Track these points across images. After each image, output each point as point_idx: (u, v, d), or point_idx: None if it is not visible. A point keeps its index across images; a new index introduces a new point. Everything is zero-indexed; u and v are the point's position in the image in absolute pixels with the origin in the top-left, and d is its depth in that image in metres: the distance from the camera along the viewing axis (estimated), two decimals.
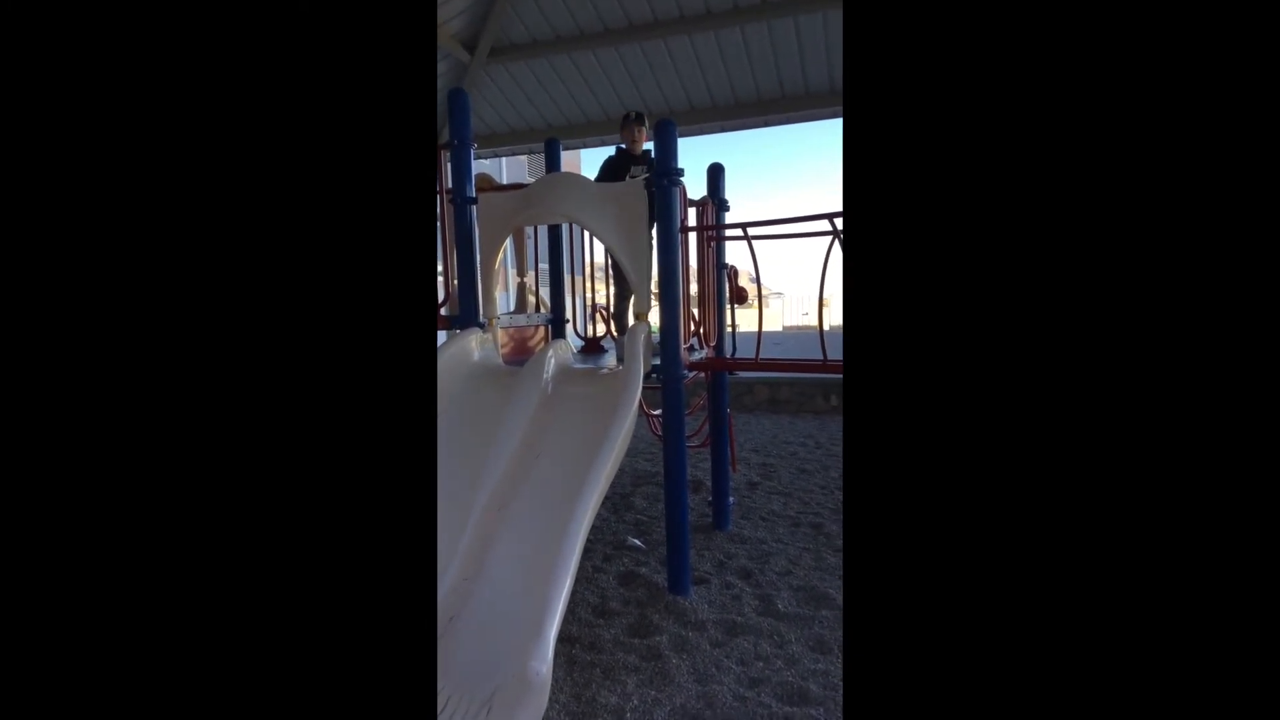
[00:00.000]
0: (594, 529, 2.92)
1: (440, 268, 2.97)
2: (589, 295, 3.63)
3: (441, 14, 5.41)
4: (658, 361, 2.45)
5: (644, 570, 2.60)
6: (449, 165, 2.60)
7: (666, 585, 2.43)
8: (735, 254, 4.58)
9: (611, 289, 3.49)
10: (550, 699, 1.42)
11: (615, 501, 3.54)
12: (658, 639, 2.05)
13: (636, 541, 2.94)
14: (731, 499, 3.28)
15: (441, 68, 5.98)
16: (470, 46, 5.85)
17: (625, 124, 3.22)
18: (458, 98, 2.51)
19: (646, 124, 3.17)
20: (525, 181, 3.79)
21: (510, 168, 16.23)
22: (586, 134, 6.56)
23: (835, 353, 2.17)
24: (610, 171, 3.24)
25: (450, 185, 2.58)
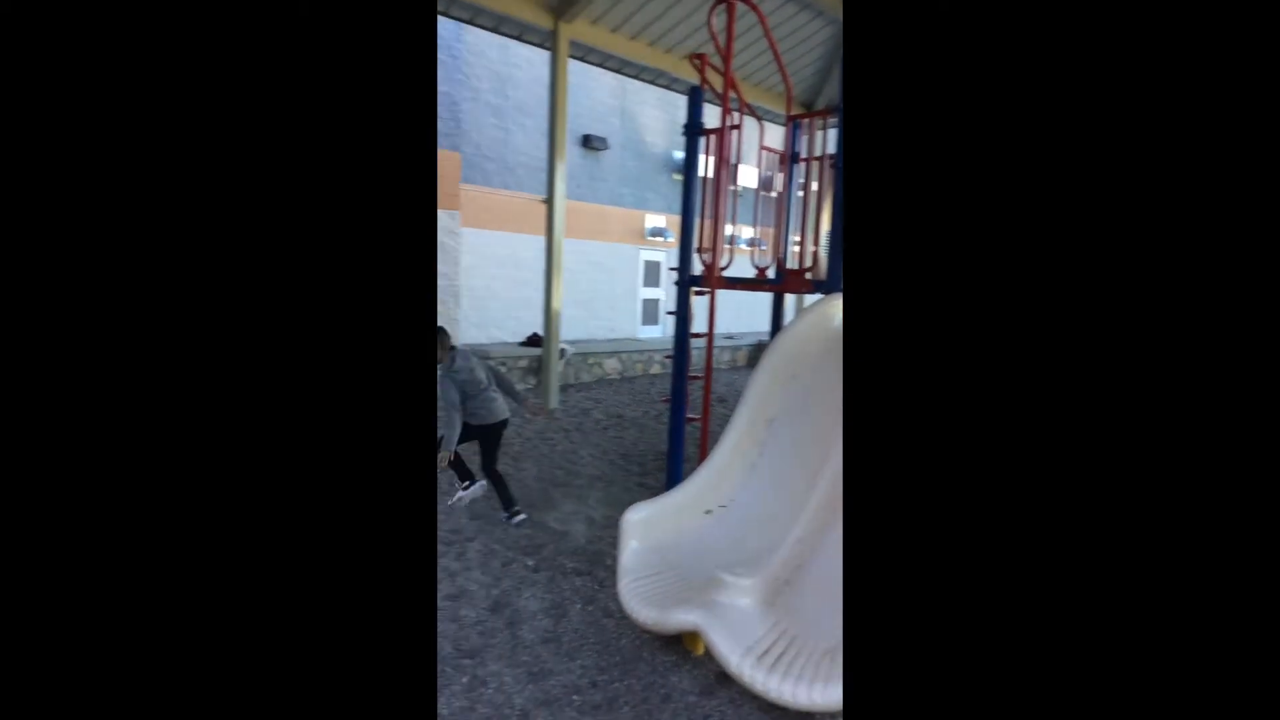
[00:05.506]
0: None
1: (798, 236, 3.04)
2: None
3: None
4: None
5: None
6: (831, 133, 2.62)
7: None
8: None
9: None
10: None
11: None
12: None
13: None
14: None
15: (827, 33, 5.97)
16: None
17: None
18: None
19: None
20: None
21: None
22: None
23: None
24: None
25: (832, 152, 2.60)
